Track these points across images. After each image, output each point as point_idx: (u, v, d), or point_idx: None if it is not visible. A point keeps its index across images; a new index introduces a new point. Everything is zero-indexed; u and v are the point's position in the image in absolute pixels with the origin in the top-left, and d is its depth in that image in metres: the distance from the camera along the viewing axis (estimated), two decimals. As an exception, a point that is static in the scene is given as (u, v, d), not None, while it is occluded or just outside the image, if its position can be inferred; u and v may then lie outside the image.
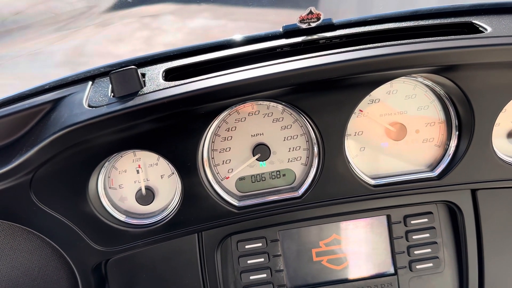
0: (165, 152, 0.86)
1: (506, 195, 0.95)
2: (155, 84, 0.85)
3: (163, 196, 0.96)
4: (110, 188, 0.94)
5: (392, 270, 1.02)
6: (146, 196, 0.94)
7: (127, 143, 0.85)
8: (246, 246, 1.00)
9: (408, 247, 1.00)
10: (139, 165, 0.93)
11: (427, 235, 1.00)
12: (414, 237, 1.00)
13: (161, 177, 0.95)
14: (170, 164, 0.93)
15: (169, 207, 0.95)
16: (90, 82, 0.92)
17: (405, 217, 0.99)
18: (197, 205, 0.92)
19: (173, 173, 0.94)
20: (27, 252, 0.93)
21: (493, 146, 0.91)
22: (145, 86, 0.85)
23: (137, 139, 0.84)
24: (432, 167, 0.96)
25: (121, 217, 0.94)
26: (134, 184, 0.95)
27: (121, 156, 0.92)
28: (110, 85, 0.85)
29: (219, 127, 0.93)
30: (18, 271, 0.93)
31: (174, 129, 0.84)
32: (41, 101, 0.86)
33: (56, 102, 0.86)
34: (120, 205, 0.95)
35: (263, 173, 0.97)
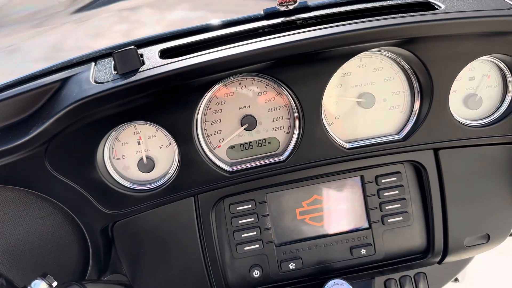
0: (165, 123, 0.97)
1: (464, 153, 1.08)
2: (153, 62, 0.96)
3: (162, 164, 1.07)
4: (114, 158, 1.05)
5: (366, 225, 1.14)
6: (147, 164, 1.05)
7: (130, 115, 0.95)
8: (237, 208, 1.11)
9: (380, 204, 1.13)
10: (139, 137, 1.04)
11: (397, 192, 1.12)
12: (385, 194, 1.12)
13: (160, 148, 1.06)
14: (167, 136, 1.04)
15: (168, 173, 1.06)
16: (93, 63, 1.02)
17: (377, 177, 1.12)
18: (193, 171, 1.03)
19: (170, 144, 1.05)
20: (41, 218, 1.03)
21: (451, 110, 1.04)
22: (144, 64, 0.95)
23: (139, 111, 0.95)
24: (398, 131, 1.09)
25: (126, 183, 1.05)
26: (136, 155, 1.05)
27: (123, 129, 1.03)
28: (113, 64, 0.95)
29: (210, 101, 1.04)
30: (33, 236, 1.03)
31: (171, 102, 0.95)
32: (50, 80, 0.96)
33: (64, 81, 0.96)
34: (124, 174, 1.06)
35: (251, 142, 1.08)
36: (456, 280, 1.55)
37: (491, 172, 1.10)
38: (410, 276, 1.18)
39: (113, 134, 1.01)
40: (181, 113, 0.97)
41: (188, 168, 1.02)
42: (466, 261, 1.22)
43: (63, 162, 0.97)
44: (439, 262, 1.17)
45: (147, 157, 1.05)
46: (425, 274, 1.18)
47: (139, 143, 1.04)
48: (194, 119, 0.99)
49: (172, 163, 1.06)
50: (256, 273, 1.13)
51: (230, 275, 1.13)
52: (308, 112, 1.00)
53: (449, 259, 1.15)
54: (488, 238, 1.13)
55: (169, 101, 0.95)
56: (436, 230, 1.12)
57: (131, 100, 0.92)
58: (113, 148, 1.04)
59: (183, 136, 0.99)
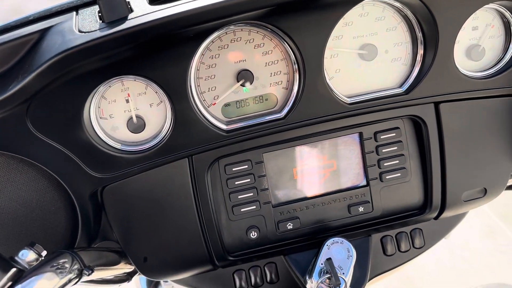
0: (157, 78, 0.90)
1: (465, 106, 1.06)
2: (142, 9, 0.87)
3: (154, 124, 1.00)
4: (101, 118, 0.97)
5: (364, 182, 1.12)
6: (137, 124, 0.97)
7: (120, 68, 0.87)
8: (233, 169, 1.07)
9: (379, 160, 1.10)
10: (128, 94, 0.96)
11: (395, 148, 1.10)
12: (383, 150, 1.10)
13: (150, 106, 0.98)
14: (158, 93, 0.96)
15: (160, 133, 0.99)
16: (74, 12, 0.92)
17: (376, 133, 1.09)
18: (188, 130, 0.97)
19: (161, 102, 0.98)
20: (24, 184, 0.95)
21: (455, 61, 1.01)
22: (132, 11, 0.86)
23: (129, 64, 0.87)
24: (400, 84, 1.06)
25: (116, 145, 0.98)
26: (125, 114, 0.98)
27: (110, 86, 0.95)
28: (99, 12, 0.86)
29: (203, 55, 0.97)
30: (16, 203, 0.96)
31: (163, 54, 0.88)
32: (28, 31, 0.86)
33: (44, 31, 0.86)
34: (113, 134, 0.99)
35: (247, 99, 1.03)
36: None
37: (490, 125, 1.08)
38: (406, 232, 1.19)
39: (99, 91, 0.93)
40: (174, 66, 0.89)
41: (182, 127, 0.96)
42: (461, 216, 1.23)
43: (47, 121, 0.89)
44: (436, 218, 1.17)
45: (137, 116, 0.98)
46: (421, 230, 1.19)
47: (127, 101, 0.97)
48: (188, 73, 0.92)
49: (164, 122, 0.99)
50: (254, 235, 1.10)
51: (227, 237, 1.10)
52: (310, 64, 0.95)
53: (446, 214, 1.15)
54: (485, 192, 1.13)
55: (160, 53, 0.87)
56: (434, 185, 1.11)
57: (121, 52, 0.84)
58: (99, 107, 0.96)
59: (177, 92, 0.92)
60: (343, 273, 1.02)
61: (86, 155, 0.94)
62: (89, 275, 0.85)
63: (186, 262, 1.09)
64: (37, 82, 0.81)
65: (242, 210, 1.08)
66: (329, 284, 1.01)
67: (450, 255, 3.92)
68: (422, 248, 1.20)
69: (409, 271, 3.57)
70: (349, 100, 1.03)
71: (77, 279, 0.84)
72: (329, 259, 1.01)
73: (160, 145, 0.97)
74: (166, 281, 1.58)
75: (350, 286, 1.04)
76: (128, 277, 1.15)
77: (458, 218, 1.23)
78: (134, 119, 0.97)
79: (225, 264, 1.12)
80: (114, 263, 1.04)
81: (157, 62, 0.88)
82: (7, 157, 0.93)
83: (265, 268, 1.15)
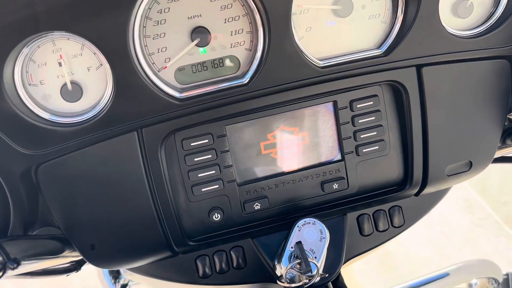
0: (91, 34, 0.75)
1: (450, 70, 0.95)
2: None
3: (93, 91, 0.85)
4: (30, 85, 0.82)
5: (339, 156, 1.02)
6: (73, 91, 0.83)
7: (45, 22, 0.72)
8: (192, 144, 0.94)
9: (355, 132, 1.00)
10: (60, 56, 0.81)
11: (373, 118, 0.99)
12: (360, 121, 0.99)
13: (88, 70, 0.84)
14: (96, 54, 0.82)
15: (101, 102, 0.85)
16: None
17: (351, 101, 0.98)
18: (133, 98, 0.83)
19: (101, 65, 0.83)
20: None
21: (440, 18, 0.90)
22: None
23: (56, 17, 0.72)
24: (379, 45, 0.94)
25: (46, 115, 0.83)
26: (58, 79, 0.83)
27: (38, 47, 0.80)
28: None
29: (150, 8, 0.82)
30: None
31: (98, 5, 0.73)
32: None
33: None
34: (45, 104, 0.84)
35: (205, 62, 0.89)
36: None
37: (478, 91, 0.98)
38: (385, 211, 1.11)
39: (25, 52, 0.78)
40: (111, 19, 0.75)
41: (125, 94, 0.82)
42: (443, 192, 1.14)
43: None
44: (417, 194, 1.08)
45: (73, 82, 0.83)
46: (400, 207, 1.10)
47: (60, 64, 0.82)
48: (130, 27, 0.77)
49: (106, 88, 0.85)
50: (217, 217, 0.99)
51: (187, 220, 0.98)
52: (275, 20, 0.82)
53: (427, 190, 1.06)
54: (470, 165, 1.03)
55: (94, 3, 0.72)
56: (415, 159, 1.01)
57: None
58: (27, 72, 0.81)
59: (116, 52, 0.78)
60: (315, 257, 0.92)
61: (12, 128, 0.80)
62: (14, 268, 0.71)
63: (140, 249, 0.97)
64: None
65: (203, 190, 0.96)
66: (299, 269, 0.90)
67: (429, 230, 3.92)
68: (401, 227, 1.11)
69: (388, 246, 3.56)
70: (321, 63, 0.90)
71: (0, 274, 0.71)
72: (299, 243, 0.91)
73: (100, 115, 0.83)
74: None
75: (324, 270, 0.94)
76: (76, 266, 1.02)
77: (440, 194, 1.14)
78: (69, 85, 0.83)
79: (186, 249, 1.01)
80: (56, 252, 0.91)
81: (90, 14, 0.74)
82: None
83: (231, 253, 1.05)
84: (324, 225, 0.95)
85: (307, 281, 0.90)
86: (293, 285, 0.90)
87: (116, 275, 1.57)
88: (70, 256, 0.98)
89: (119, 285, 1.56)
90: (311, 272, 0.87)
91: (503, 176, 4.45)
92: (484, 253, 3.60)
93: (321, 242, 0.95)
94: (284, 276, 0.90)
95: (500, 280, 1.91)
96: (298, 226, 0.96)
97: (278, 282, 0.94)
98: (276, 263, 0.98)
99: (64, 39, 0.80)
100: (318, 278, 0.93)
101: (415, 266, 3.45)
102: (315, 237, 0.95)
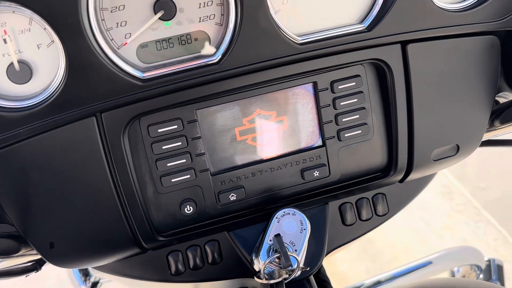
0: (37, 4, 0.66)
1: (437, 47, 0.89)
2: None
3: (44, 71, 0.76)
4: (-31, 64, 0.73)
5: (320, 142, 0.96)
6: (21, 71, 0.74)
7: None
8: (159, 130, 0.86)
9: (336, 115, 0.93)
10: (5, 31, 0.72)
11: (355, 100, 0.93)
12: (342, 103, 0.93)
13: (38, 48, 0.74)
14: (47, 29, 0.73)
15: (52, 84, 0.76)
16: None
17: (332, 82, 0.91)
18: (89, 78, 0.74)
19: (52, 42, 0.74)
20: None
21: None
22: None
23: None
24: (362, 19, 0.87)
25: None
26: (3, 58, 0.74)
27: (-23, 21, 0.70)
28: None
29: (107, -23, 0.73)
30: None
31: None
32: None
33: None
34: None
35: (170, 38, 0.80)
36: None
37: (465, 71, 0.93)
38: (368, 199, 1.07)
39: None
40: None
41: (79, 75, 0.73)
42: (429, 178, 1.10)
43: None
44: (401, 181, 1.03)
45: (21, 62, 0.74)
46: (384, 195, 1.06)
47: (5, 41, 0.72)
48: (83, 2, 0.68)
49: (58, 68, 0.75)
50: (189, 209, 0.92)
51: (156, 214, 0.91)
52: None
53: (412, 176, 1.01)
54: (457, 149, 0.98)
55: None
56: (400, 143, 0.96)
57: None
58: (-36, 49, 0.71)
59: (67, 26, 0.69)
60: (296, 250, 0.86)
61: None
62: None
63: (105, 246, 0.89)
64: None
65: (173, 180, 0.89)
66: (278, 264, 0.84)
67: (409, 217, 3.94)
68: (385, 216, 1.07)
69: (369, 234, 3.56)
70: (300, 39, 0.83)
71: None
72: (277, 235, 0.85)
73: (52, 99, 0.74)
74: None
75: (305, 264, 0.88)
76: (36, 265, 0.94)
77: (425, 181, 1.10)
78: (16, 65, 0.73)
79: (156, 245, 0.94)
80: (11, 251, 0.83)
81: None
82: None
83: (206, 248, 0.98)
84: (304, 216, 0.90)
85: (287, 276, 0.84)
86: (272, 281, 0.83)
87: (86, 272, 1.49)
88: (28, 255, 0.90)
89: (90, 283, 1.47)
90: (291, 267, 0.81)
91: (482, 161, 4.50)
92: (464, 238, 3.64)
93: (301, 234, 0.89)
94: (262, 271, 0.84)
95: (483, 266, 1.90)
96: (277, 218, 0.90)
97: (255, 278, 0.87)
98: (254, 257, 0.91)
99: (9, 12, 0.70)
100: (299, 272, 0.88)
101: (397, 253, 3.47)
102: (295, 229, 0.89)
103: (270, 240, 0.88)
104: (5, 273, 0.90)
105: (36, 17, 0.71)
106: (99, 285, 1.50)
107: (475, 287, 0.98)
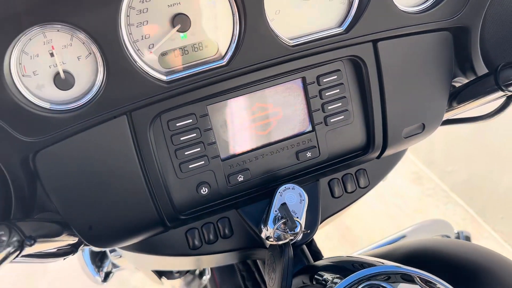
0: (85, 23, 0.81)
1: (402, 43, 1.08)
2: None
3: (84, 78, 0.91)
4: (24, 76, 0.86)
5: (310, 128, 1.12)
6: (66, 80, 0.88)
7: (42, 14, 0.77)
8: (177, 124, 1.01)
9: (323, 104, 1.10)
10: (52, 47, 0.86)
11: (337, 90, 1.11)
12: (326, 94, 1.10)
13: (78, 59, 0.89)
14: (85, 44, 0.88)
15: (93, 89, 0.91)
16: None
17: (318, 76, 1.09)
18: (124, 83, 0.89)
19: (90, 54, 0.89)
20: None
21: None
22: None
23: (52, 9, 0.77)
24: (340, 23, 1.05)
25: (45, 104, 0.88)
26: (50, 69, 0.88)
27: (30, 39, 0.84)
28: None
29: (133, -1, 0.89)
30: None
31: None
32: None
33: None
34: (39, 94, 0.89)
35: (186, 46, 0.96)
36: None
37: (426, 61, 1.12)
38: (352, 174, 1.22)
39: (19, 45, 0.83)
40: (103, 9, 0.81)
41: (116, 80, 0.88)
42: (401, 154, 1.28)
43: None
44: (378, 157, 1.20)
45: (65, 71, 0.88)
46: (365, 170, 1.22)
47: (52, 54, 0.87)
48: (119, 17, 0.84)
49: (97, 76, 0.90)
50: (204, 191, 1.07)
51: (177, 197, 1.05)
52: (250, 5, 0.90)
53: (387, 152, 1.19)
54: (423, 127, 1.17)
55: None
56: (376, 125, 1.14)
57: None
58: (20, 64, 0.85)
59: (108, 41, 0.84)
60: (297, 217, 1.02)
61: (13, 117, 0.84)
62: (31, 245, 0.77)
63: (136, 227, 1.03)
64: None
65: (190, 166, 1.04)
66: (284, 228, 1.01)
67: (383, 203, 4.16)
68: (367, 188, 1.23)
69: (347, 222, 3.76)
70: (291, 42, 1.00)
71: (18, 252, 0.76)
72: (283, 204, 1.01)
73: (94, 100, 0.89)
74: (114, 250, 1.51)
75: (304, 228, 1.05)
76: (73, 249, 1.07)
77: (398, 156, 1.28)
78: (62, 74, 0.88)
79: (177, 224, 1.08)
80: (56, 234, 0.96)
81: (83, 6, 0.79)
82: None
83: (218, 224, 1.13)
84: (302, 189, 1.06)
85: (292, 238, 1.01)
86: (280, 242, 1.00)
87: (99, 264, 1.61)
88: (68, 240, 1.03)
89: (103, 274, 1.60)
90: (297, 229, 0.98)
91: (447, 147, 4.77)
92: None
93: (301, 204, 1.05)
94: (272, 235, 1.00)
95: (453, 237, 2.11)
96: (279, 192, 1.05)
97: (266, 242, 1.04)
98: (262, 227, 1.07)
99: (54, 31, 0.85)
100: (301, 236, 1.04)
101: (374, 238, 3.65)
102: (295, 200, 1.05)
103: (276, 211, 1.04)
104: (47, 255, 1.04)
105: (77, 34, 0.85)
106: (111, 275, 1.62)
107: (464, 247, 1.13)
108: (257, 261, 1.44)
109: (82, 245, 1.09)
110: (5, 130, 0.85)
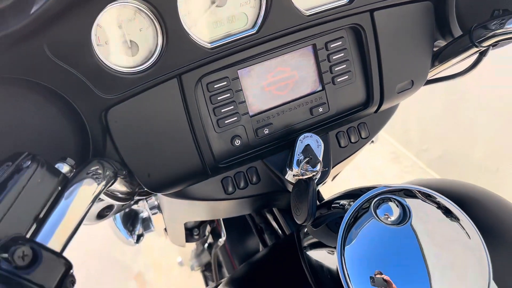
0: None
1: (394, 12, 1.29)
2: None
3: (145, 47, 1.10)
4: (98, 45, 1.06)
5: (320, 87, 1.34)
6: (132, 47, 1.08)
7: None
8: (215, 86, 1.22)
9: (330, 67, 1.33)
10: (122, 20, 1.06)
11: (342, 54, 1.33)
12: (333, 57, 1.32)
13: (140, 30, 1.09)
14: (145, 18, 1.07)
15: (154, 55, 1.11)
16: None
17: (326, 43, 1.31)
18: (179, 50, 1.09)
19: (149, 26, 1.09)
20: (34, 112, 1.02)
21: None
22: None
23: None
24: None
25: (118, 67, 1.07)
26: (118, 39, 1.07)
27: (103, 15, 1.03)
28: None
29: (180, -20, 1.09)
30: (26, 132, 1.01)
31: None
32: None
33: None
34: (111, 60, 1.08)
35: (222, 19, 1.17)
36: (372, 141, 1.89)
37: (412, 27, 1.35)
38: (355, 127, 1.42)
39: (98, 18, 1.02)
40: None
41: (173, 46, 1.09)
42: (393, 109, 1.51)
43: (62, 48, 0.96)
44: (376, 111, 1.43)
45: (130, 41, 1.08)
46: (365, 123, 1.44)
47: (120, 26, 1.06)
48: None
49: (156, 45, 1.10)
50: (237, 142, 1.28)
51: (216, 148, 1.26)
52: None
53: (384, 107, 1.42)
54: (412, 83, 1.41)
55: None
56: (374, 83, 1.35)
57: None
58: (95, 35, 1.05)
59: (169, 13, 1.04)
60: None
61: (96, 78, 1.03)
62: (124, 177, 0.96)
63: (184, 175, 1.23)
64: (56, 4, 0.88)
65: (225, 122, 1.24)
66: (307, 168, 1.22)
67: (366, 182, 4.43)
68: (367, 138, 1.45)
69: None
70: (307, 12, 1.22)
71: (112, 181, 0.95)
72: (307, 146, 1.23)
73: (156, 64, 1.08)
74: (153, 208, 1.69)
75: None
76: (130, 196, 1.26)
77: (391, 111, 1.51)
78: (128, 43, 1.07)
79: (215, 173, 1.28)
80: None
81: None
82: (15, 87, 0.98)
83: (247, 173, 1.33)
84: (318, 137, 1.28)
85: (314, 173, 1.23)
86: (305, 176, 1.22)
87: (130, 229, 1.80)
88: (126, 187, 1.22)
89: (135, 236, 1.78)
90: (321, 164, 1.20)
91: (422, 127, 5.09)
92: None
93: (318, 148, 1.26)
94: (299, 172, 1.22)
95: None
96: (300, 140, 1.26)
97: (289, 185, 1.25)
98: (287, 169, 1.29)
99: (121, 5, 1.04)
100: (320, 174, 1.26)
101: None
102: (314, 145, 1.27)
103: (299, 154, 1.25)
104: (114, 197, 1.21)
105: (140, 9, 1.05)
106: (142, 237, 1.80)
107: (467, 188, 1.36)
108: (274, 211, 1.65)
109: (137, 193, 1.28)
110: (89, 89, 1.04)
